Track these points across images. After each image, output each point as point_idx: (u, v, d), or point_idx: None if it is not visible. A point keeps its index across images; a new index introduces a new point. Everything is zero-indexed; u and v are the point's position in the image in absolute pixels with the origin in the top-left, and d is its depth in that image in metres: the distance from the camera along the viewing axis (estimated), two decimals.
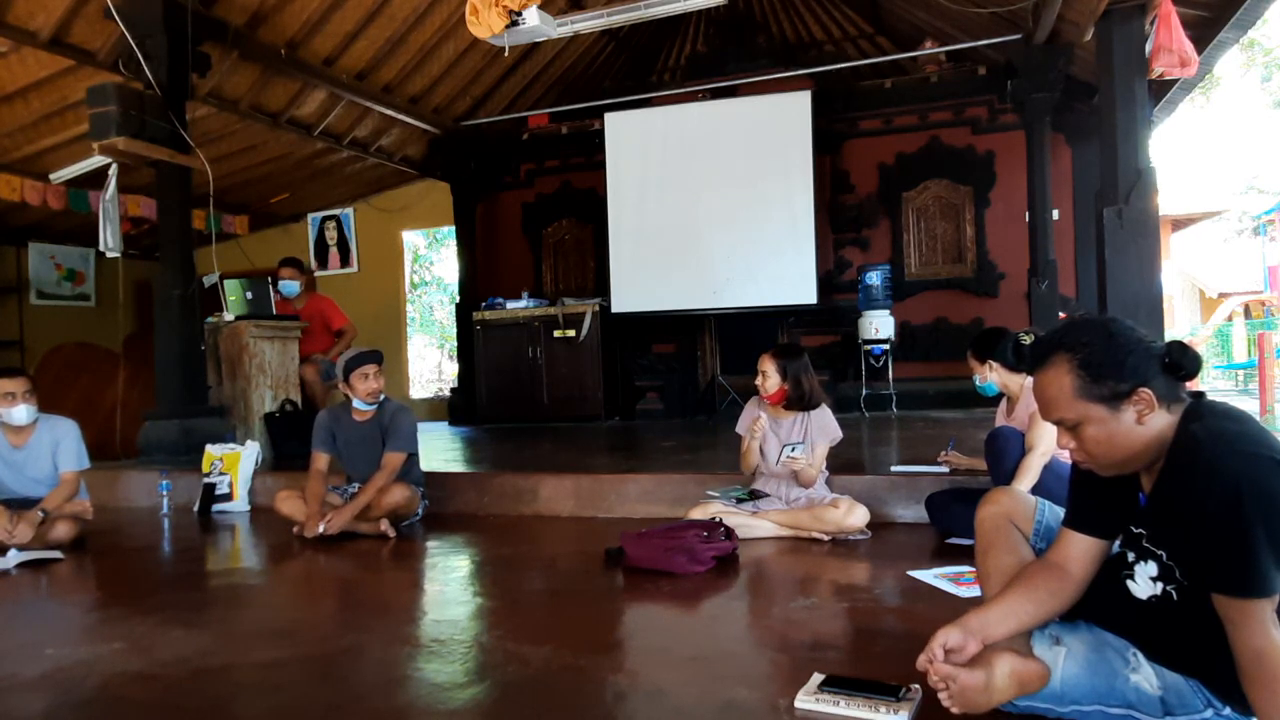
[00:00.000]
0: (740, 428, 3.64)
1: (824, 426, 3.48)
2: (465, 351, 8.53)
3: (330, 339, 6.17)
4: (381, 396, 3.92)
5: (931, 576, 2.68)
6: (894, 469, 3.88)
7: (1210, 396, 1.46)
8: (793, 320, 7.98)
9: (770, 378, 3.45)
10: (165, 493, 4.54)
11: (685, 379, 8.28)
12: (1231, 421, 1.36)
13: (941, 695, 1.49)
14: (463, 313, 8.58)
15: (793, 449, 3.40)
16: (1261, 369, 7.10)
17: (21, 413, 3.75)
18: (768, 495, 3.48)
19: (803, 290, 7.42)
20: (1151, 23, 4.70)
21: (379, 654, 2.17)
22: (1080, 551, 1.58)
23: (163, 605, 2.77)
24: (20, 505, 3.70)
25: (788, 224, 7.43)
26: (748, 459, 3.54)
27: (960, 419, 6.38)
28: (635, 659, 2.14)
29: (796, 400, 3.45)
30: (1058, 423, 1.48)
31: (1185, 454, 1.37)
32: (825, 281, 7.71)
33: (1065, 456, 2.02)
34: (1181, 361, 1.40)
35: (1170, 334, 11.46)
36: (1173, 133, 19.07)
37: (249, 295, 5.58)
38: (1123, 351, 1.40)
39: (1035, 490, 2.78)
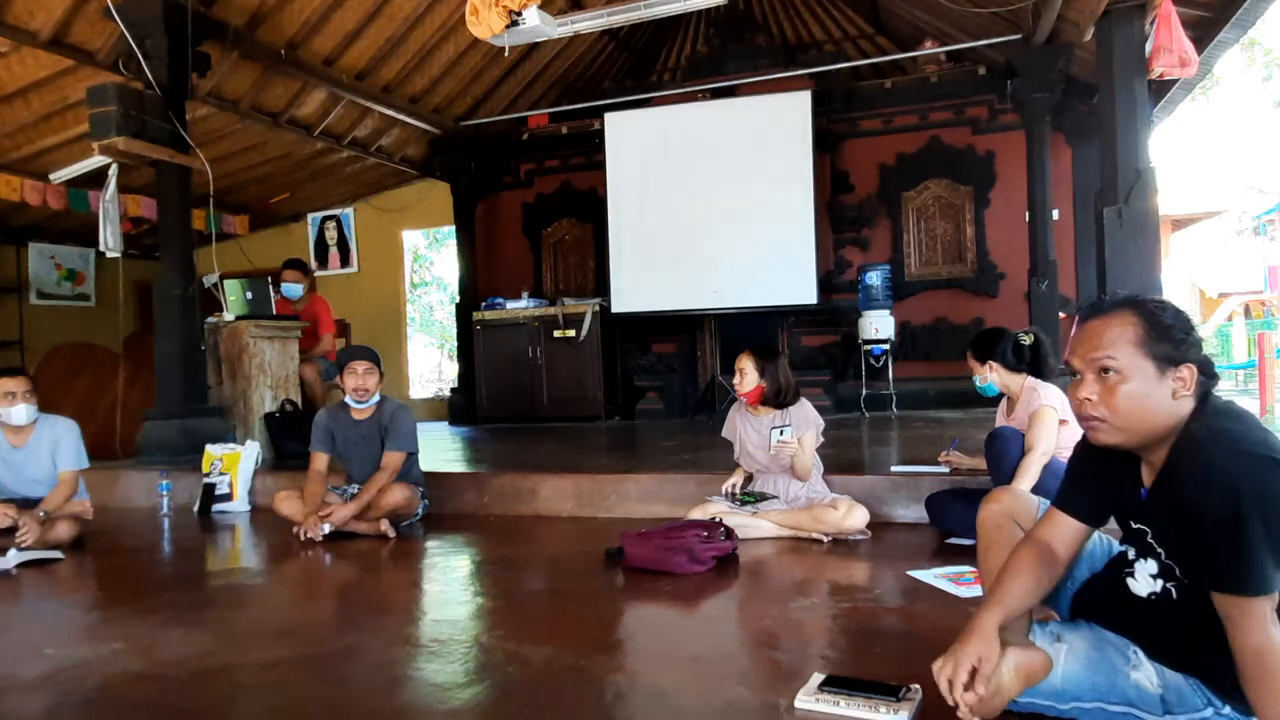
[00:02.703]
0: (726, 432, 3.71)
1: (804, 417, 3.51)
2: (465, 351, 8.53)
3: (333, 338, 6.20)
4: (378, 396, 3.92)
5: (931, 576, 2.68)
6: (894, 469, 3.88)
7: (1216, 395, 1.47)
8: (793, 320, 7.98)
9: (748, 375, 3.50)
10: (165, 493, 4.54)
11: (685, 379, 8.28)
12: (1232, 420, 1.37)
13: (963, 713, 1.47)
14: (463, 313, 8.58)
15: (781, 431, 3.44)
16: (1261, 369, 7.10)
17: (21, 412, 3.75)
18: (775, 497, 3.48)
19: (803, 290, 7.42)
20: (1151, 23, 4.70)
21: (379, 654, 2.17)
22: (1068, 535, 1.60)
23: (163, 605, 2.77)
24: (20, 506, 3.71)
25: (788, 224, 7.43)
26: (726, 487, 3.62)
27: (960, 419, 6.38)
28: (635, 659, 2.14)
29: (773, 397, 3.50)
30: (1101, 366, 1.43)
31: (1186, 452, 1.38)
32: (825, 281, 7.71)
33: (1065, 456, 2.02)
34: (1212, 370, 1.44)
35: None
36: (1173, 133, 19.05)
37: (249, 295, 5.58)
38: (1183, 327, 1.43)
39: (1035, 490, 2.77)
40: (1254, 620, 1.27)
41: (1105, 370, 1.44)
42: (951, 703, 1.48)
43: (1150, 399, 1.41)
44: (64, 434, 3.89)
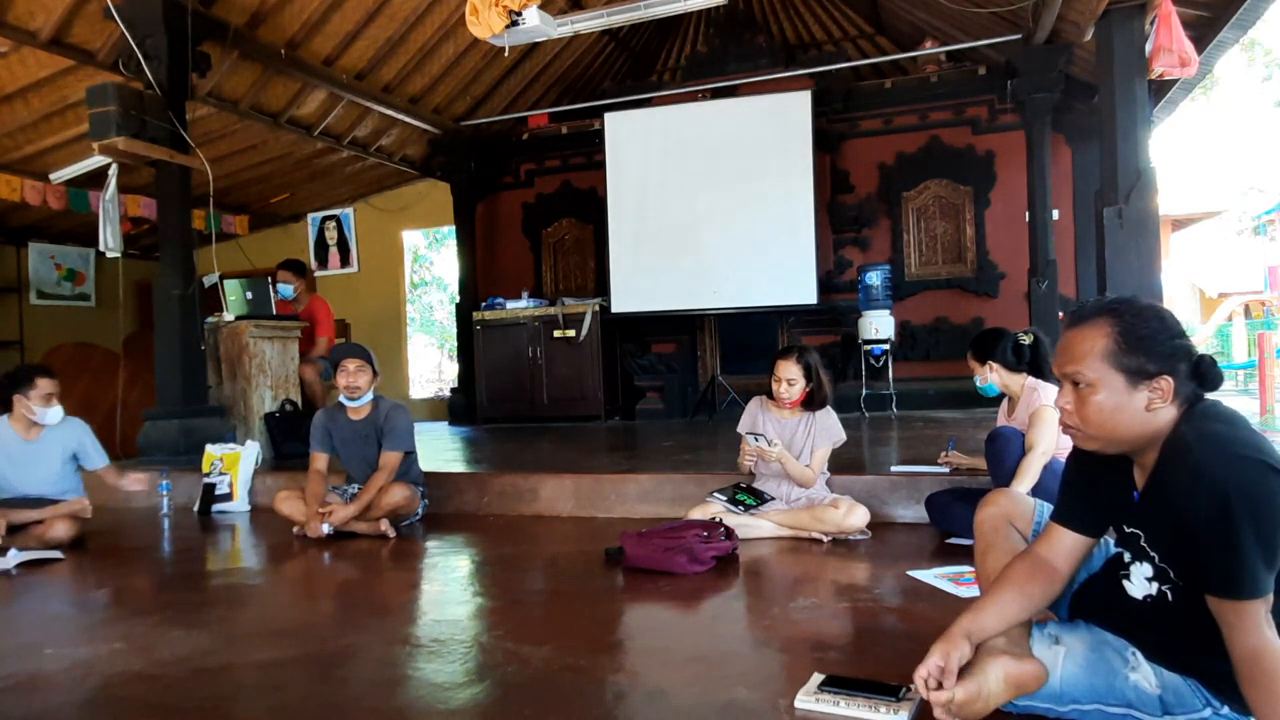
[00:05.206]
0: (741, 427, 3.61)
1: (827, 429, 3.48)
2: (465, 351, 8.53)
3: (329, 340, 6.20)
4: (371, 394, 3.93)
5: (931, 576, 2.68)
6: (894, 469, 3.88)
7: (1207, 398, 1.46)
8: (793, 320, 7.98)
9: (796, 383, 3.42)
10: (165, 493, 4.53)
11: (685, 379, 8.28)
12: (1221, 424, 1.37)
13: (938, 711, 1.49)
14: (463, 313, 8.58)
15: (756, 439, 3.37)
16: (1261, 369, 7.08)
17: (58, 413, 3.86)
18: (773, 499, 3.47)
19: (803, 290, 7.42)
20: (1151, 23, 4.70)
21: (379, 654, 2.17)
22: (1069, 548, 1.60)
23: (163, 605, 2.77)
24: (21, 505, 3.72)
25: (788, 224, 7.43)
26: (743, 464, 3.57)
27: (960, 419, 6.38)
28: (635, 659, 2.14)
29: (818, 402, 3.46)
30: (1073, 379, 1.46)
31: (1175, 455, 1.38)
32: (825, 281, 7.71)
33: (1065, 456, 2.02)
34: (1208, 373, 1.42)
35: None
36: (1173, 133, 19.05)
37: (249, 295, 5.58)
38: (1165, 337, 1.41)
39: (1035, 491, 2.78)
40: (1248, 623, 1.27)
41: (1076, 383, 1.45)
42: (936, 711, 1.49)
43: (1120, 411, 1.42)
44: (83, 434, 4.00)
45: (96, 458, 4.03)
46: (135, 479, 4.15)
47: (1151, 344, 1.40)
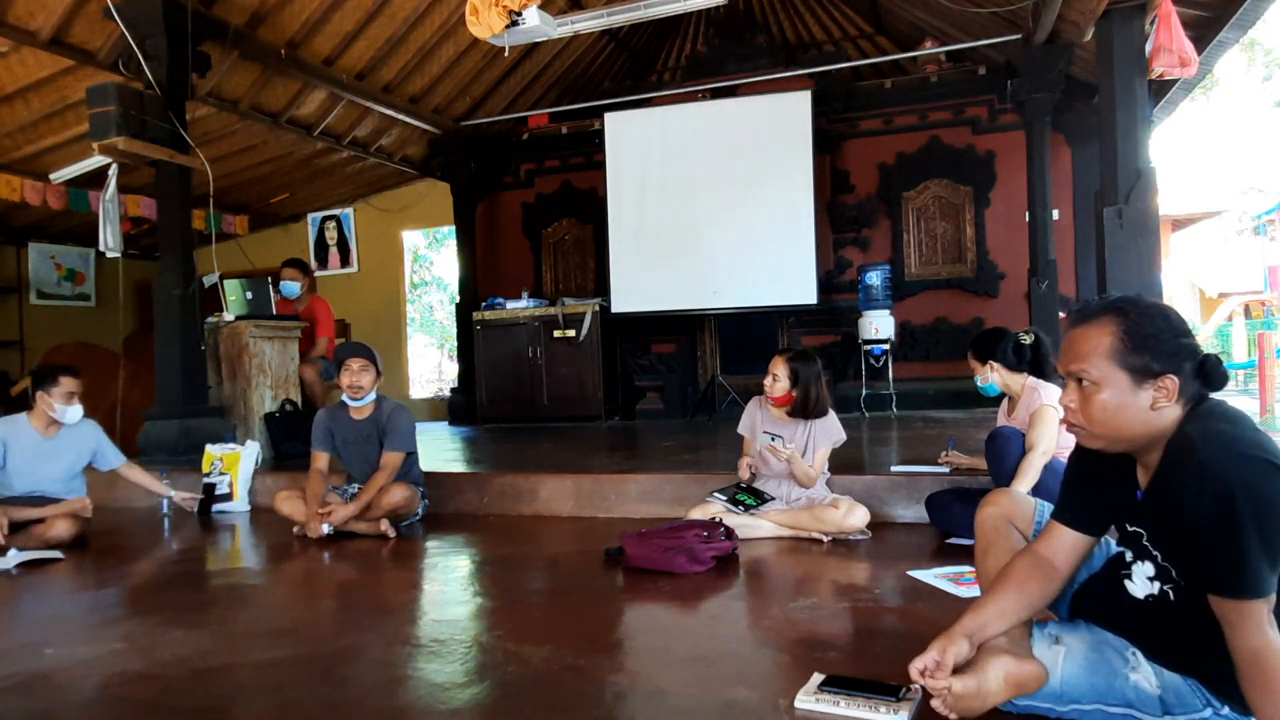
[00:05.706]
0: (742, 428, 3.64)
1: (827, 429, 3.48)
2: (465, 351, 8.53)
3: (330, 341, 6.20)
4: (374, 394, 3.93)
5: (931, 576, 2.68)
6: (894, 469, 3.88)
7: (1212, 397, 1.46)
8: (793, 320, 7.98)
9: (780, 381, 3.45)
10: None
11: (685, 379, 8.28)
12: (1226, 423, 1.36)
13: (935, 703, 1.50)
14: (463, 313, 8.58)
15: (771, 439, 3.40)
16: (1261, 369, 7.08)
17: (78, 411, 3.90)
18: (773, 499, 3.47)
19: (803, 290, 7.42)
20: (1151, 23, 4.70)
21: (379, 654, 2.17)
22: (1069, 547, 1.60)
23: (163, 605, 2.77)
24: (23, 503, 3.73)
25: (788, 224, 7.43)
26: (743, 473, 3.57)
27: (960, 419, 6.38)
28: (635, 659, 2.14)
29: (801, 409, 3.46)
30: (1077, 377, 1.45)
31: (1179, 454, 1.37)
32: (825, 281, 7.71)
33: (1065, 456, 2.02)
34: (1213, 373, 1.41)
35: None
36: (1173, 133, 19.07)
37: (249, 295, 5.58)
38: (1171, 336, 1.41)
39: (1035, 490, 2.78)
40: (1250, 623, 1.27)
41: (1081, 381, 1.45)
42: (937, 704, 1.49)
43: (1125, 409, 1.41)
44: (100, 435, 4.07)
45: (114, 457, 4.13)
46: (186, 499, 4.43)
47: (1156, 343, 1.40)
